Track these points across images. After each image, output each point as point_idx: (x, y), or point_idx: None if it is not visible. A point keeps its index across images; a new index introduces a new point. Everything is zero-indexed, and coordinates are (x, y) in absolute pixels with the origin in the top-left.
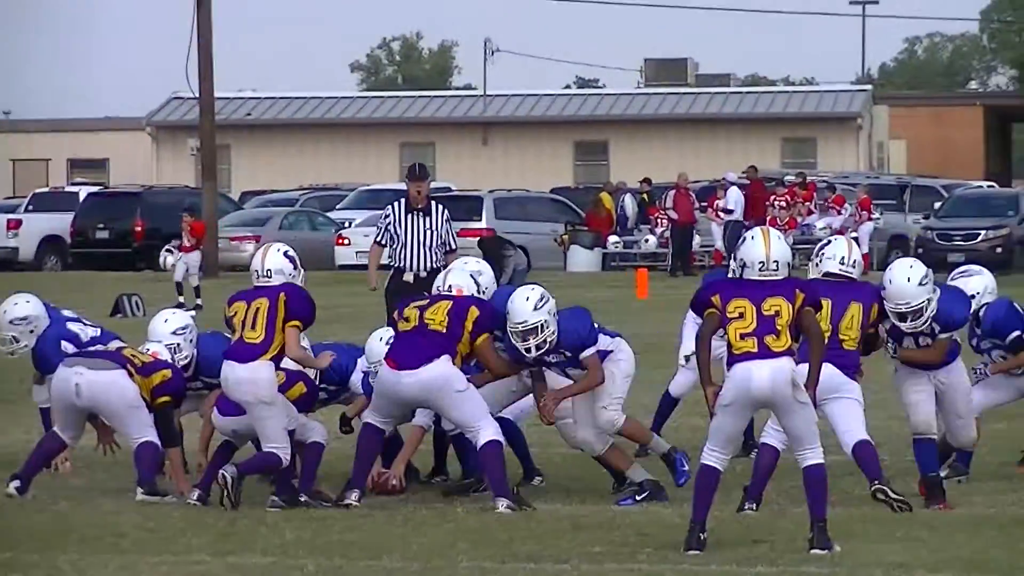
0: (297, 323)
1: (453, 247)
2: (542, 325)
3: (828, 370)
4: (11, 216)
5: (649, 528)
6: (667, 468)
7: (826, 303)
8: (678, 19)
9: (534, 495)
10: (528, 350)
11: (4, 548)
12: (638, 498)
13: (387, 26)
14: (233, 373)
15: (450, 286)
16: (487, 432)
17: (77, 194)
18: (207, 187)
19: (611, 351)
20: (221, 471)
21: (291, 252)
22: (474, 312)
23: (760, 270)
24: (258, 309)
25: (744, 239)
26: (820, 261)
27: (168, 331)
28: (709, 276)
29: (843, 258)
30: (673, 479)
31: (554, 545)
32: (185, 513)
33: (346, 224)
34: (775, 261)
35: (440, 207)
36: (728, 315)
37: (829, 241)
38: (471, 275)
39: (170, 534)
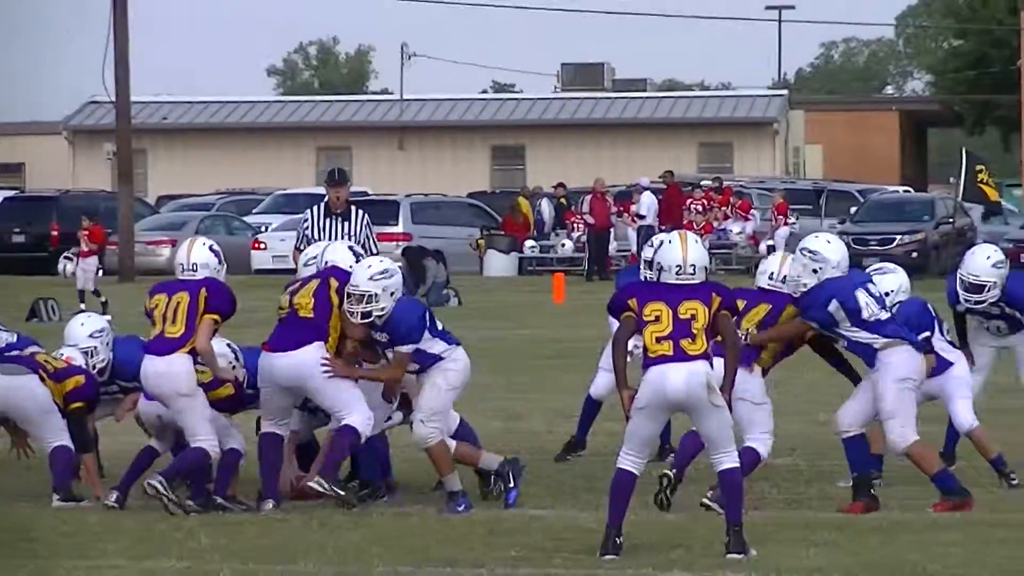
0: (215, 316)
1: (374, 251)
2: (371, 296)
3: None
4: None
5: (565, 533)
6: (483, 481)
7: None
8: (595, 24)
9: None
10: (352, 314)
11: None
12: (459, 508)
13: (304, 31)
14: (152, 366)
15: (326, 262)
16: (353, 418)
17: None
18: (123, 191)
19: (442, 359)
20: (148, 481)
21: (216, 247)
22: (334, 282)
23: (677, 274)
24: (179, 303)
25: (661, 243)
26: (658, 267)
27: (85, 334)
28: (624, 275)
29: (772, 273)
30: (453, 506)
31: (469, 549)
32: (101, 518)
33: (262, 228)
34: (692, 265)
35: (359, 212)
36: (644, 318)
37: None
38: (350, 248)
39: (85, 539)
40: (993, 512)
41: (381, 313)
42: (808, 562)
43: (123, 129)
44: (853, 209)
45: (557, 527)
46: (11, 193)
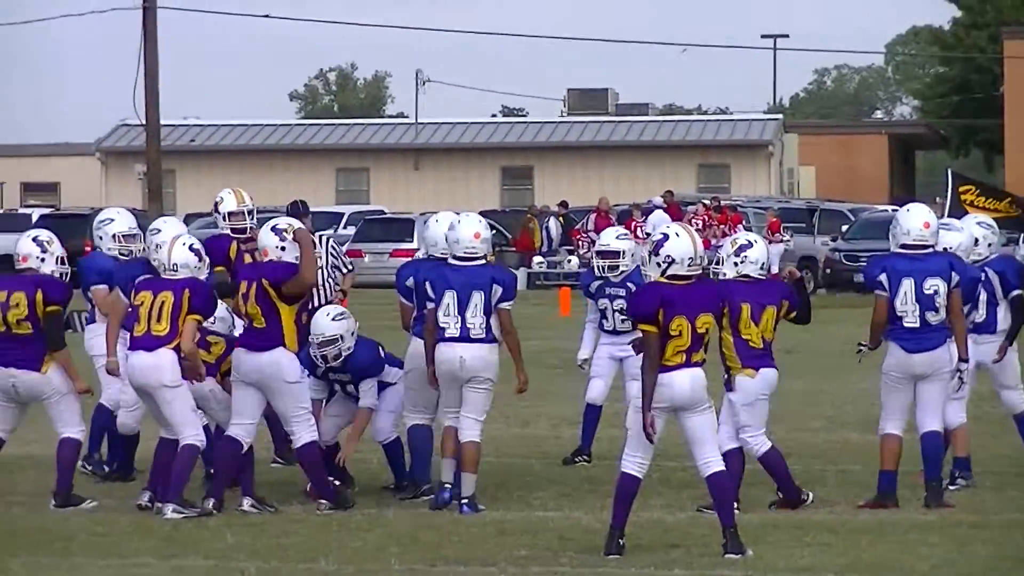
0: (197, 316)
1: (347, 268)
2: (337, 338)
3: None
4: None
5: (571, 533)
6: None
7: (746, 308)
8: (599, 52)
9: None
10: (324, 358)
11: None
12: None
13: (324, 58)
14: (139, 360)
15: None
16: (302, 436)
17: (30, 215)
18: (153, 209)
19: (394, 383)
20: (164, 516)
21: (196, 245)
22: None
23: (689, 266)
24: (163, 303)
25: (666, 236)
26: (742, 262)
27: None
28: (587, 275)
29: (763, 264)
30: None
31: (481, 549)
32: (133, 518)
33: None
34: (701, 257)
35: (323, 238)
36: (670, 332)
37: (750, 244)
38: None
39: (117, 538)
40: (975, 514)
41: (348, 352)
42: (801, 562)
43: (153, 151)
44: (844, 227)
45: (564, 528)
46: (47, 211)
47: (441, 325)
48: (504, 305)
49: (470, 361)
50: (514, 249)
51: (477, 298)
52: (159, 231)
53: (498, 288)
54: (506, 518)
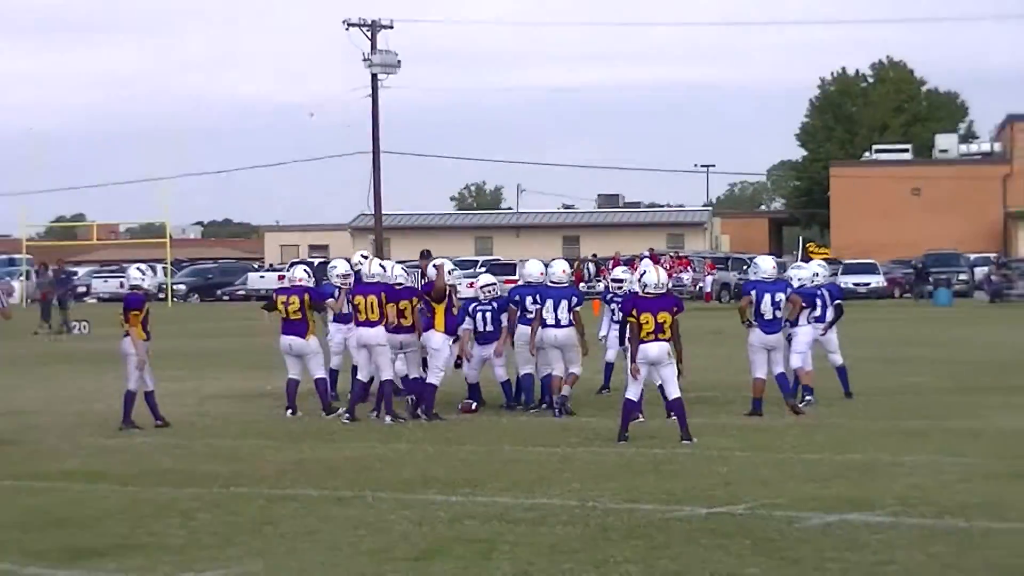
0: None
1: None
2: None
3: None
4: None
5: (602, 431)
6: None
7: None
8: (614, 171)
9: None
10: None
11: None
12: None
13: (468, 177)
14: (364, 331)
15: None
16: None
17: (313, 262)
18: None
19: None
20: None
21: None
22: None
23: (655, 287)
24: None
25: (645, 271)
26: (645, 286)
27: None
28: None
29: (656, 283)
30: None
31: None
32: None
33: None
34: (663, 283)
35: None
36: (641, 322)
37: (645, 271)
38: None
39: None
40: (817, 419)
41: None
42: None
43: (378, 227)
44: (745, 267)
45: (597, 428)
46: (320, 260)
47: (544, 318)
48: (577, 308)
49: (562, 338)
50: (573, 280)
51: (564, 304)
52: (364, 261)
53: (575, 299)
54: (569, 421)
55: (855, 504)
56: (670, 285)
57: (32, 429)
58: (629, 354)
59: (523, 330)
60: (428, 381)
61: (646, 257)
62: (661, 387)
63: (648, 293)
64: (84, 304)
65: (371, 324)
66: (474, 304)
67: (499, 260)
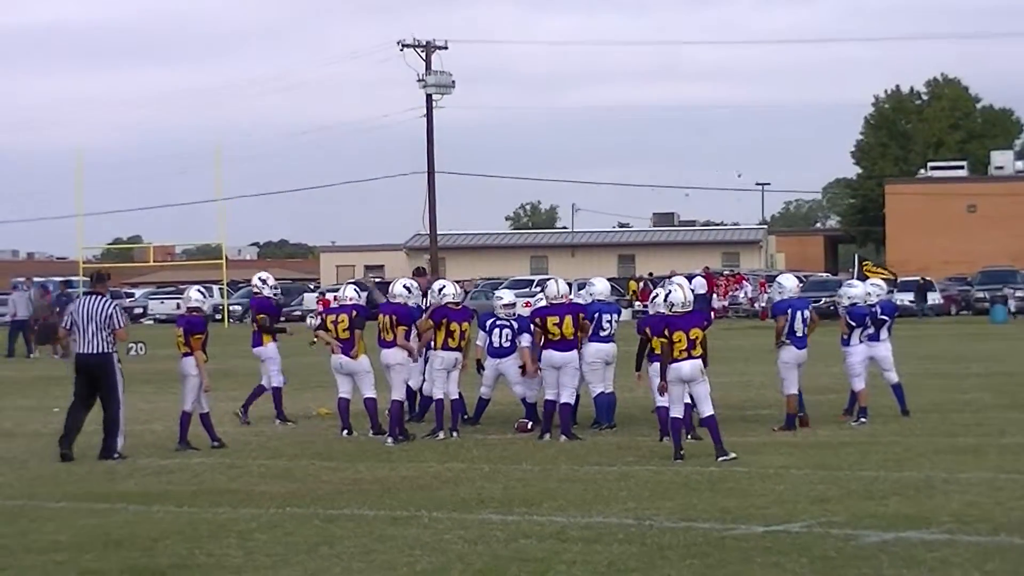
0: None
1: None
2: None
3: (695, 364)
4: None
5: (635, 448)
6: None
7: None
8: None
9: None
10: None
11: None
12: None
13: (523, 197)
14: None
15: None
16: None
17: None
18: (432, 279)
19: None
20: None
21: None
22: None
23: (683, 306)
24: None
25: (671, 290)
26: (672, 304)
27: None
28: (483, 317)
29: (683, 302)
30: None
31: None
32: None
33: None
34: (689, 301)
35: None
36: (673, 341)
37: (671, 289)
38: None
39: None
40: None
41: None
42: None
43: (433, 247)
44: (801, 284)
45: (653, 446)
46: (379, 280)
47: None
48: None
49: (612, 350)
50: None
51: (607, 317)
52: (443, 287)
53: (615, 315)
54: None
55: (912, 521)
56: (726, 303)
57: (89, 450)
58: (659, 372)
59: (597, 347)
60: (393, 398)
61: (698, 276)
62: (692, 404)
63: (676, 311)
64: (140, 325)
65: (387, 344)
66: (492, 320)
67: (552, 277)
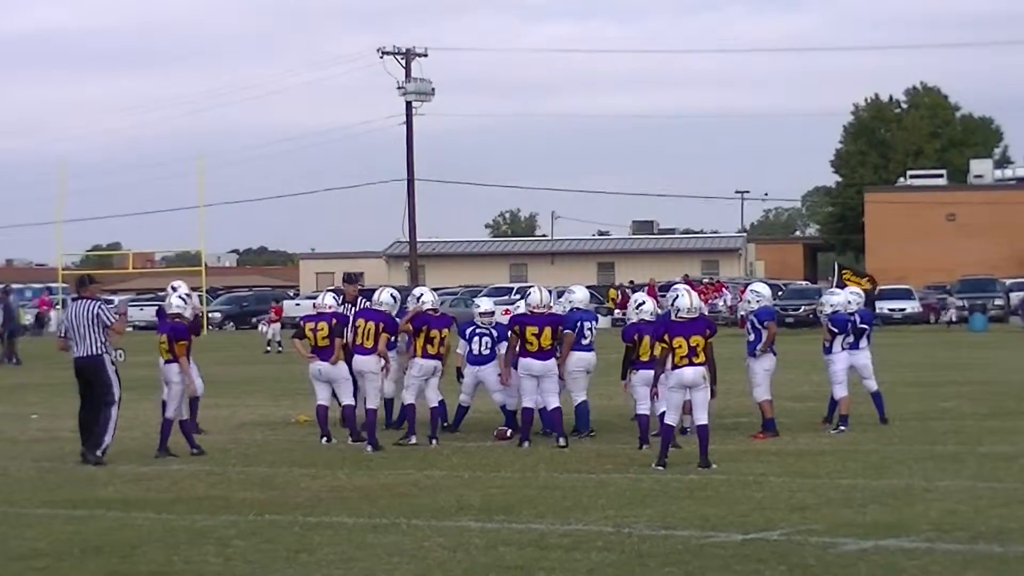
0: (387, 334)
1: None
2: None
3: (697, 371)
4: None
5: (635, 457)
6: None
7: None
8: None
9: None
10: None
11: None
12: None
13: (503, 204)
14: (356, 360)
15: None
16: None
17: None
18: (413, 286)
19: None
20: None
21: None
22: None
23: (688, 312)
24: (371, 327)
25: (677, 295)
26: (677, 310)
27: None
28: (464, 325)
29: (688, 308)
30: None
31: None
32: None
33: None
34: (695, 307)
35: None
36: (674, 346)
37: (678, 295)
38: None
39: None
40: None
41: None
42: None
43: (413, 255)
44: (780, 292)
45: (632, 454)
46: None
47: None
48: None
49: (592, 359)
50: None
51: (587, 325)
52: (422, 294)
53: (594, 323)
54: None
55: (891, 529)
56: (705, 310)
57: (68, 456)
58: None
59: (579, 356)
60: (368, 407)
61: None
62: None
63: (680, 317)
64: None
65: (365, 351)
66: (472, 328)
67: (532, 285)
